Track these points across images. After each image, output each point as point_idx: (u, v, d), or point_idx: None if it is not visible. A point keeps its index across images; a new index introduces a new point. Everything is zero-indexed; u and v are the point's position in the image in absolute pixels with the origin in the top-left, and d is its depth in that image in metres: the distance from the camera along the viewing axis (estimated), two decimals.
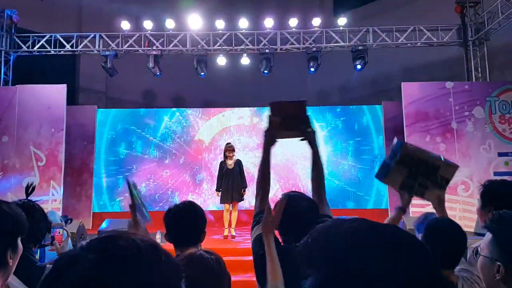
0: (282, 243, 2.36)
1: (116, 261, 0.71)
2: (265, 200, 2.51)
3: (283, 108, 2.49)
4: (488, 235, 1.42)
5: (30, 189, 2.41)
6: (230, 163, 8.77)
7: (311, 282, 0.74)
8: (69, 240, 2.76)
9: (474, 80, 10.53)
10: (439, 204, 2.42)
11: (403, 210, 2.49)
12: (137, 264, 0.71)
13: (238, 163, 8.82)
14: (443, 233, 2.18)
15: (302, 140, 2.55)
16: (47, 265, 2.20)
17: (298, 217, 2.28)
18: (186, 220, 2.48)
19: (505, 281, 1.35)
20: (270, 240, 2.16)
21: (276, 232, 2.42)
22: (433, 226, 2.28)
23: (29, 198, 2.42)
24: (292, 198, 2.37)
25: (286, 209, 2.28)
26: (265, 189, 2.54)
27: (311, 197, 2.53)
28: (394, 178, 2.35)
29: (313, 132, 2.54)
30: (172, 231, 2.48)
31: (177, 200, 10.69)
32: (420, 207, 8.99)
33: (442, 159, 2.37)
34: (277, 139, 2.54)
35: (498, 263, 1.35)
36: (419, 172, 2.32)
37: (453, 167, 2.37)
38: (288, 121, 2.48)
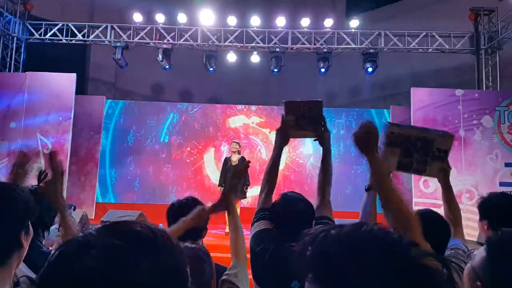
0: (278, 241, 2.38)
1: (135, 243, 0.72)
2: (270, 197, 2.54)
3: (297, 108, 2.47)
4: (483, 252, 1.36)
5: (43, 175, 2.46)
6: (235, 159, 8.78)
7: (307, 285, 0.74)
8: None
9: (484, 88, 10.47)
10: (444, 176, 2.35)
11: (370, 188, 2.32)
12: (154, 247, 0.73)
13: (243, 160, 8.81)
14: (423, 222, 2.15)
15: (315, 140, 2.55)
16: (52, 251, 2.20)
17: (294, 217, 2.32)
18: (183, 212, 2.46)
19: None
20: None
21: None
22: None
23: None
24: (288, 199, 2.42)
25: (282, 210, 2.36)
26: (271, 186, 2.55)
27: (317, 194, 2.56)
28: (388, 161, 2.25)
29: (327, 133, 2.54)
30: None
31: (175, 195, 10.72)
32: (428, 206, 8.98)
33: (432, 131, 2.31)
34: (290, 138, 2.55)
35: (478, 283, 1.31)
36: (413, 149, 2.25)
37: (448, 137, 2.31)
38: (302, 121, 2.47)
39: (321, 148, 2.57)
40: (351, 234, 0.74)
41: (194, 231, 2.42)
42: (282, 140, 2.53)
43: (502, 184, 9.24)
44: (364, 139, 1.79)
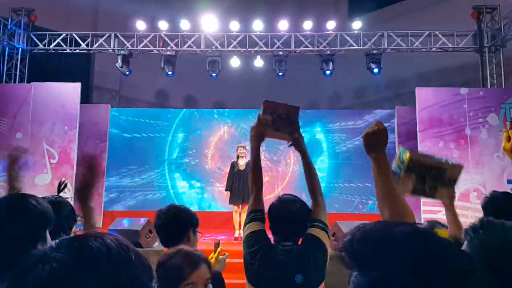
0: (273, 242, 2.44)
1: (84, 260, 0.70)
2: (260, 198, 2.56)
3: (276, 109, 2.49)
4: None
5: (62, 186, 2.55)
6: (242, 164, 8.74)
7: (359, 280, 0.74)
8: None
9: (489, 86, 10.43)
10: (450, 200, 2.46)
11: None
12: (106, 264, 0.71)
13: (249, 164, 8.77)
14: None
15: (290, 145, 2.58)
16: None
17: (289, 218, 2.39)
18: (167, 224, 2.55)
19: None
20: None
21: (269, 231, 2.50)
22: None
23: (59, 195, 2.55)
24: (283, 200, 2.47)
25: (277, 210, 2.43)
26: (258, 186, 2.57)
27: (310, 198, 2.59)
28: (406, 186, 2.37)
29: (300, 137, 2.56)
30: (160, 235, 2.60)
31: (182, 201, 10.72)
32: (432, 213, 8.96)
33: (446, 161, 2.42)
34: (264, 137, 2.57)
35: None
36: (426, 177, 2.36)
37: (458, 168, 2.42)
38: (278, 122, 2.50)
39: (300, 154, 2.59)
40: (389, 228, 0.76)
41: (175, 236, 2.45)
42: (257, 138, 2.55)
43: (510, 181, 9.21)
44: (373, 138, 1.80)
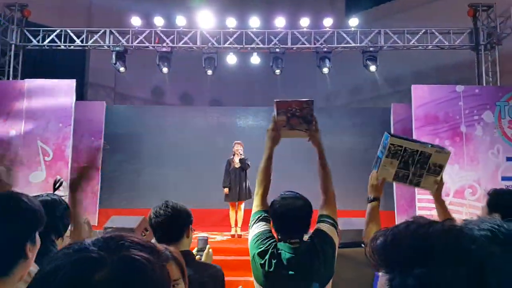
0: (277, 241, 2.43)
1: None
2: (265, 198, 2.58)
3: (288, 107, 2.48)
4: None
5: (58, 184, 2.52)
6: (237, 161, 8.71)
7: (399, 280, 0.74)
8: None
9: (484, 84, 10.48)
10: (437, 189, 2.40)
11: (378, 200, 2.42)
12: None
13: (244, 161, 8.73)
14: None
15: (308, 141, 2.59)
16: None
17: (293, 215, 2.39)
18: (164, 222, 2.50)
19: None
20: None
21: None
22: None
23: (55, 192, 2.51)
24: (286, 197, 2.47)
25: (280, 207, 2.42)
26: (265, 189, 2.58)
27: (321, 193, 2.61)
28: (386, 171, 2.37)
29: (317, 132, 2.56)
30: (157, 233, 2.57)
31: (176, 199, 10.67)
32: (427, 209, 8.98)
33: (431, 146, 2.37)
34: (281, 138, 2.57)
35: None
36: (410, 162, 2.33)
37: (445, 154, 2.37)
38: (293, 121, 2.50)
39: (315, 148, 2.60)
40: (422, 228, 0.76)
41: (170, 234, 2.44)
42: (273, 140, 2.55)
43: (504, 178, 9.27)
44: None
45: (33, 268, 1.68)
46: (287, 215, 2.38)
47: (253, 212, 2.57)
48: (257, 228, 2.47)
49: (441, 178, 2.39)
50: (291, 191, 2.55)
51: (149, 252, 0.74)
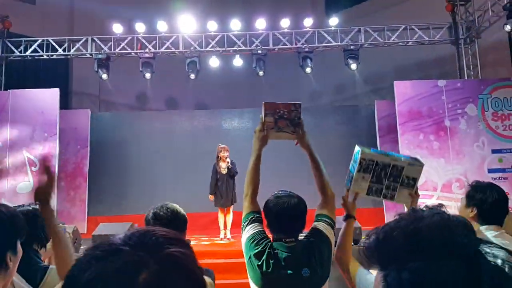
0: (272, 241, 2.40)
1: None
2: (255, 200, 2.55)
3: (276, 109, 2.48)
4: None
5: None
6: (224, 167, 8.64)
7: (393, 276, 0.75)
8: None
9: (466, 77, 10.60)
10: (412, 202, 2.38)
11: (352, 217, 2.43)
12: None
13: (233, 165, 8.68)
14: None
15: (296, 144, 2.58)
16: (50, 266, 2.27)
17: (288, 213, 2.35)
18: (163, 224, 2.45)
19: None
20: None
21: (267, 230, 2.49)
22: None
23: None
24: (279, 196, 2.44)
25: (274, 205, 2.39)
26: (254, 190, 2.56)
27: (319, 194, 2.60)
28: (359, 185, 2.35)
29: (304, 134, 2.55)
30: None
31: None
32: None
33: (404, 159, 2.36)
34: (267, 140, 2.56)
35: None
36: (383, 176, 2.32)
37: (417, 166, 2.35)
38: (281, 123, 2.49)
39: (305, 151, 2.59)
40: (415, 222, 0.78)
41: None
42: (261, 141, 2.54)
43: (490, 171, 9.36)
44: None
45: (16, 278, 1.68)
46: (282, 214, 2.35)
47: (244, 214, 2.53)
48: (251, 229, 2.43)
49: (416, 191, 2.37)
50: (284, 190, 2.52)
51: (182, 246, 0.73)
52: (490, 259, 0.75)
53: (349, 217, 2.42)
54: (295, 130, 2.51)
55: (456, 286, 0.71)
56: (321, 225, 2.46)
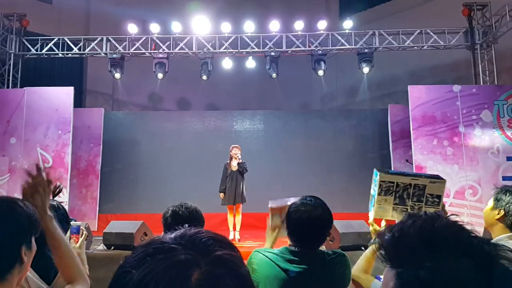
0: (288, 246, 2.34)
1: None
2: None
3: (282, 211, 2.48)
4: None
5: (57, 190, 2.51)
6: (234, 165, 8.70)
7: (410, 274, 0.75)
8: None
9: (481, 83, 10.45)
10: None
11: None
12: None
13: (241, 165, 8.70)
14: None
15: None
16: None
17: (310, 223, 2.25)
18: (182, 222, 2.45)
19: None
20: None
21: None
22: None
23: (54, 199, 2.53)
24: (306, 205, 2.32)
25: (296, 215, 2.29)
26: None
27: None
28: (383, 209, 2.29)
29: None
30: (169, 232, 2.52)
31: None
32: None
33: (424, 177, 2.30)
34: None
35: None
36: (406, 196, 2.26)
37: (440, 183, 2.30)
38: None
39: None
40: (426, 224, 0.79)
41: None
42: (273, 240, 2.57)
43: (505, 178, 9.18)
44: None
45: (30, 274, 1.71)
46: (302, 224, 2.25)
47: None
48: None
49: (443, 207, 2.32)
50: (313, 196, 2.40)
51: (231, 248, 0.74)
52: (505, 262, 0.74)
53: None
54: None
55: (470, 286, 0.72)
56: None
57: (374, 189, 2.30)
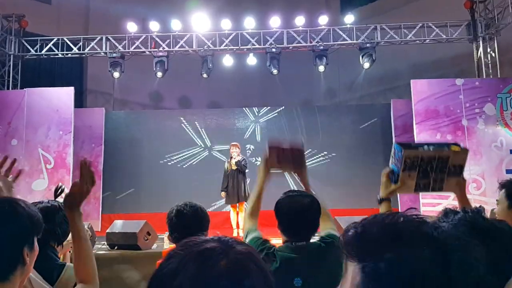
0: (283, 242, 2.33)
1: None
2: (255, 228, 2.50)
3: (279, 152, 2.47)
4: None
5: (59, 191, 2.50)
6: (233, 163, 8.64)
7: (371, 267, 0.76)
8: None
9: (484, 76, 10.40)
10: (460, 190, 2.28)
11: (389, 200, 2.29)
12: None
13: (240, 163, 8.66)
14: None
15: (294, 172, 2.57)
16: (67, 264, 2.29)
17: (300, 213, 2.26)
18: (186, 221, 2.48)
19: None
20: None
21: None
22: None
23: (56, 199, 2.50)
24: (293, 196, 2.35)
25: (286, 207, 2.29)
26: (255, 222, 2.50)
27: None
28: (405, 184, 2.23)
29: (305, 168, 2.54)
30: (175, 232, 2.52)
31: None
32: (431, 206, 8.93)
33: (446, 148, 2.24)
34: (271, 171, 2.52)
35: None
36: (429, 169, 2.21)
37: (462, 153, 2.23)
38: (284, 163, 2.49)
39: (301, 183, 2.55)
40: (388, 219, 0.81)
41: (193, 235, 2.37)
42: (264, 179, 2.48)
43: (508, 171, 9.17)
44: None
45: (33, 275, 1.70)
46: (293, 213, 2.25)
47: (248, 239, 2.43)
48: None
49: (463, 177, 2.27)
50: (295, 190, 2.45)
51: (248, 246, 0.86)
52: (462, 254, 0.77)
53: (383, 200, 2.23)
54: (296, 168, 2.52)
55: (429, 277, 0.73)
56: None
57: (396, 165, 2.24)
